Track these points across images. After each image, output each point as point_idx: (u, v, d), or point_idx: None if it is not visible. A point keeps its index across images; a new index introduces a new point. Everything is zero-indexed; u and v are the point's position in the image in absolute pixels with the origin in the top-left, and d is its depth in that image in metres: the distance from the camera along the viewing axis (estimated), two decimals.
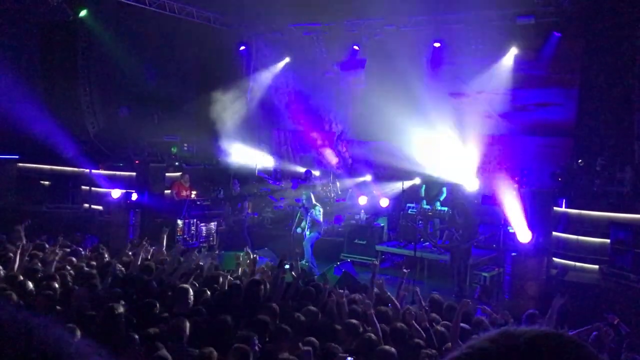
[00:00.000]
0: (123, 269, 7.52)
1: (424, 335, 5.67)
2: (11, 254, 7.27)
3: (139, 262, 7.53)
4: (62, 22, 14.36)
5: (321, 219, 12.33)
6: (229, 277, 7.41)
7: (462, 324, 5.87)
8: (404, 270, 8.02)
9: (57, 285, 6.15)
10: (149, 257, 8.37)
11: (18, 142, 14.11)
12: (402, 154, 14.64)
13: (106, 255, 8.80)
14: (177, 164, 15.18)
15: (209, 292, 6.53)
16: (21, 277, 6.26)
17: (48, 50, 15.34)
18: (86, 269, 7.31)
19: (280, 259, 7.33)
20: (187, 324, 4.90)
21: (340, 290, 7.06)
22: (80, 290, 5.99)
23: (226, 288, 6.80)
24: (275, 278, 6.82)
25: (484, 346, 1.00)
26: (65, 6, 13.82)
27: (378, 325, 5.60)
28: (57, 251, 7.85)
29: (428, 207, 13.19)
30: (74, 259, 8.05)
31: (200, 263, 8.11)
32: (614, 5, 12.72)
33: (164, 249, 8.87)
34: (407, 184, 13.75)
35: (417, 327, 5.76)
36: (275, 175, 16.59)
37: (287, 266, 7.42)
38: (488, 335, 1.02)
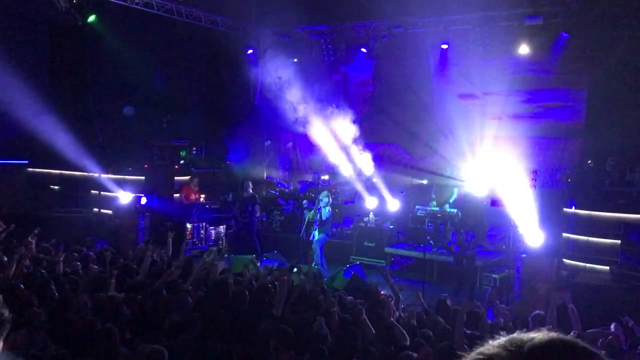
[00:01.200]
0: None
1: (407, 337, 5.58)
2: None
3: (147, 268, 7.51)
4: (71, 27, 14.42)
5: (329, 220, 12.31)
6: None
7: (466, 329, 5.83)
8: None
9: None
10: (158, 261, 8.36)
11: (28, 147, 14.18)
12: (410, 156, 14.62)
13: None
14: (182, 162, 15.17)
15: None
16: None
17: (57, 55, 15.40)
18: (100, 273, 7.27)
19: (290, 265, 7.30)
20: (166, 354, 4.46)
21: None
22: (84, 297, 5.95)
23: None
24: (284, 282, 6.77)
25: (493, 352, 1.00)
26: (74, 11, 13.87)
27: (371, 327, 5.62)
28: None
29: (437, 208, 13.17)
30: (79, 263, 8.04)
31: (208, 259, 8.03)
32: (622, 5, 12.64)
33: (170, 252, 8.89)
34: (415, 182, 13.76)
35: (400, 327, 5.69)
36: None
37: (294, 270, 7.41)
38: (497, 342, 1.02)
